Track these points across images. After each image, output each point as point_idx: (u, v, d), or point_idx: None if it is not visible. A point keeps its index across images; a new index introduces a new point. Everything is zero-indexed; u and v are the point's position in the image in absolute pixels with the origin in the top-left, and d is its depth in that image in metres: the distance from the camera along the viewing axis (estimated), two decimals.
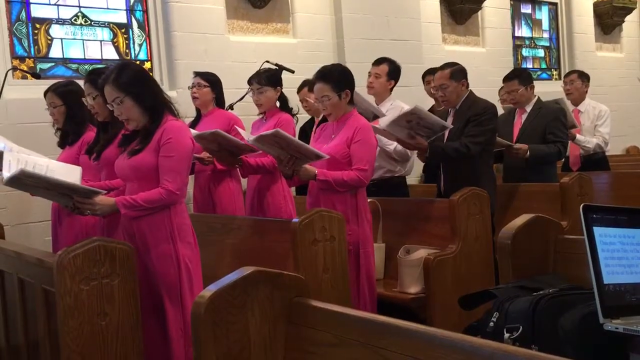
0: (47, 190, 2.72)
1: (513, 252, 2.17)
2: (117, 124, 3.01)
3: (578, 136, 5.13)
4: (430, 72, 5.10)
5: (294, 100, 4.42)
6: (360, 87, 4.26)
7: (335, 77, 3.26)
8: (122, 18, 5.11)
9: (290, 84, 4.58)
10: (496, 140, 3.96)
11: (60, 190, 2.69)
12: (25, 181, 2.66)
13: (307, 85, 4.59)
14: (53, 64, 4.82)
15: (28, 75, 4.57)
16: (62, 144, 3.78)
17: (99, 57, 5.00)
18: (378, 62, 4.43)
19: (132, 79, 2.72)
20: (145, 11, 5.19)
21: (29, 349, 2.96)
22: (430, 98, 5.25)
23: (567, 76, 5.55)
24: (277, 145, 3.10)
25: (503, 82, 4.72)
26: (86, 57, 4.96)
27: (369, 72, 4.43)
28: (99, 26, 5.02)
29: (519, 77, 4.52)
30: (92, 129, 3.67)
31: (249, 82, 4.02)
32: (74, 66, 4.90)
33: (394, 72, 4.36)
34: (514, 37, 7.90)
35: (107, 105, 2.80)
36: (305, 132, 4.73)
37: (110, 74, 2.73)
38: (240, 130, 3.63)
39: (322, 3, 5.85)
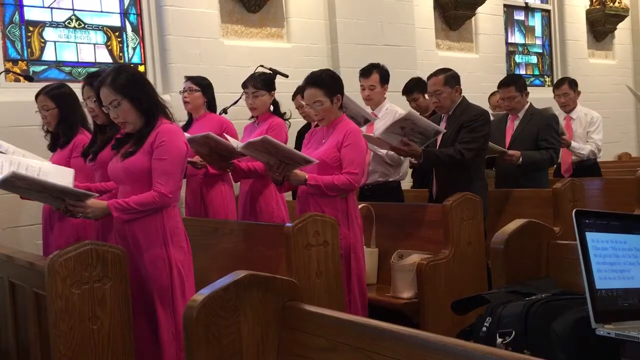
0: (39, 192, 2.70)
1: (506, 257, 2.17)
2: (114, 126, 3.00)
3: (573, 143, 5.15)
4: (409, 92, 5.05)
5: (287, 105, 4.42)
6: (354, 92, 4.27)
7: (327, 82, 3.25)
8: (116, 21, 5.11)
9: (284, 89, 4.58)
10: (489, 146, 3.97)
11: (52, 193, 2.68)
12: (16, 183, 2.64)
13: (300, 92, 4.58)
14: (46, 66, 4.81)
15: (21, 78, 4.55)
16: (52, 146, 3.76)
17: (93, 60, 4.99)
18: (367, 73, 4.34)
19: (130, 81, 2.71)
20: (139, 14, 5.19)
21: (19, 353, 2.94)
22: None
23: (557, 87, 5.47)
24: (266, 152, 3.10)
25: (498, 88, 4.72)
26: (79, 60, 4.95)
27: (361, 86, 4.36)
28: (93, 29, 5.01)
29: (516, 83, 4.53)
30: (83, 132, 3.66)
31: (244, 85, 4.02)
32: (67, 69, 4.89)
33: (384, 77, 4.35)
34: (507, 44, 7.95)
35: (103, 108, 2.79)
36: (303, 137, 4.71)
37: (106, 76, 2.72)
38: (230, 138, 3.62)
39: (316, 8, 5.86)
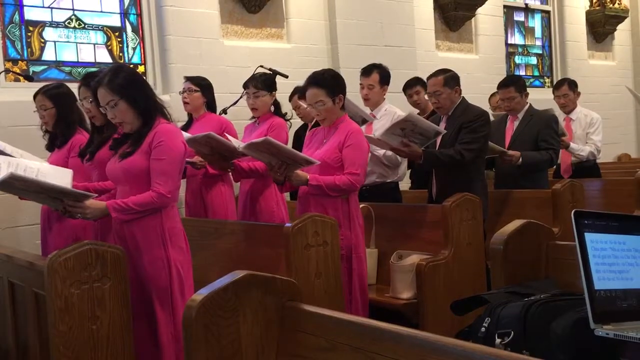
0: (38, 193, 2.70)
1: (505, 257, 2.17)
2: (112, 127, 3.01)
3: (572, 144, 5.15)
4: (411, 85, 5.05)
5: (287, 105, 4.42)
6: (354, 93, 4.27)
7: (329, 82, 3.25)
8: (116, 21, 5.11)
9: (283, 89, 4.59)
10: (489, 146, 3.97)
11: (50, 193, 2.68)
12: (15, 184, 2.64)
13: (297, 93, 4.58)
14: (46, 66, 4.81)
15: (21, 78, 4.55)
16: (50, 146, 3.76)
17: (93, 61, 4.99)
18: (367, 72, 4.33)
19: (127, 81, 2.71)
20: (140, 15, 5.19)
21: (18, 353, 2.94)
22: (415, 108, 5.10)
23: (557, 88, 5.47)
24: (267, 152, 3.10)
25: (498, 89, 4.72)
26: (79, 60, 4.95)
27: (361, 84, 4.35)
28: (93, 29, 5.01)
29: (516, 84, 4.54)
30: (80, 132, 3.67)
31: (245, 86, 4.02)
32: (67, 69, 4.89)
33: (385, 77, 4.34)
34: (507, 45, 7.95)
35: (100, 108, 2.79)
36: (300, 138, 4.72)
37: (104, 76, 2.72)
38: (231, 137, 3.63)
39: (316, 8, 5.86)
